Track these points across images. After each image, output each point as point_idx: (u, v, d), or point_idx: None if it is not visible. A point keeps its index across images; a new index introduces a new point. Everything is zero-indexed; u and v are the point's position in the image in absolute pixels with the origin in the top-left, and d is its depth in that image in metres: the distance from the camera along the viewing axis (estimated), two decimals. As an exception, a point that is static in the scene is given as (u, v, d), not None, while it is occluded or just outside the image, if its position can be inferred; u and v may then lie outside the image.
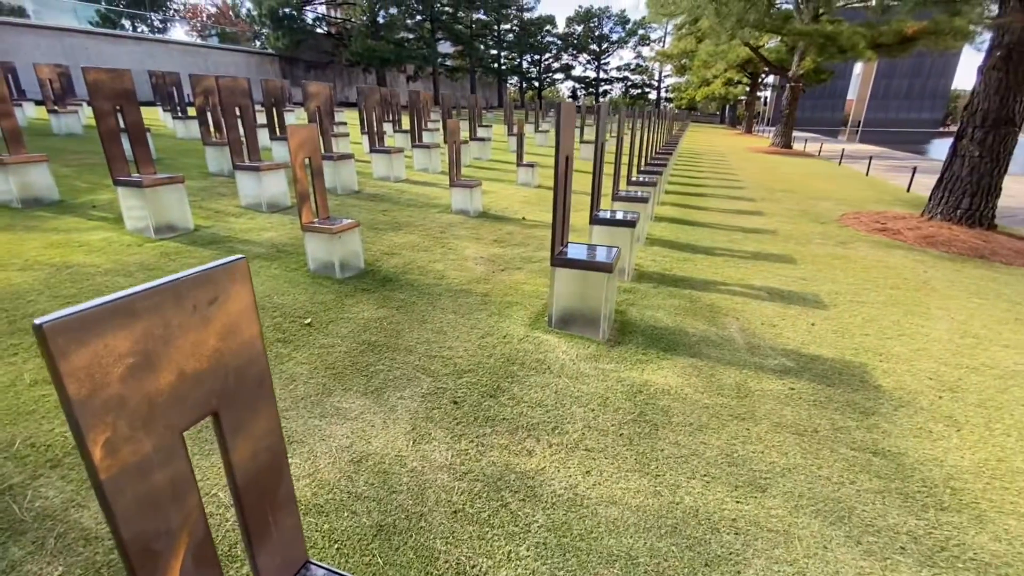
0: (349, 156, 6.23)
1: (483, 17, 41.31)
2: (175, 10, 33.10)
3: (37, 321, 0.57)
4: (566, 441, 2.02)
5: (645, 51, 51.01)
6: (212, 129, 6.85)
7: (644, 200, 4.69)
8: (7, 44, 15.96)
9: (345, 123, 10.93)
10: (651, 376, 2.55)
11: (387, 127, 10.91)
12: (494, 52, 43.91)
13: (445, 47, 39.11)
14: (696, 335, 3.04)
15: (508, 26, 44.40)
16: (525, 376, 2.47)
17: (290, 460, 1.82)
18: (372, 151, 7.23)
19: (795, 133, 21.09)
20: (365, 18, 33.58)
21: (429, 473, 1.80)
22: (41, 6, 20.14)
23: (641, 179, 5.72)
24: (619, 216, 3.85)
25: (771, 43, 22.44)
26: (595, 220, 3.76)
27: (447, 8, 36.76)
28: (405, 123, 13.19)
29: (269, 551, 0.95)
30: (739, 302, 3.62)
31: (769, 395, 2.44)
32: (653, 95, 54.39)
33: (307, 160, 3.39)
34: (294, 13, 30.58)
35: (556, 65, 50.88)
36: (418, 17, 35.58)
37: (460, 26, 38.13)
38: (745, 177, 11.14)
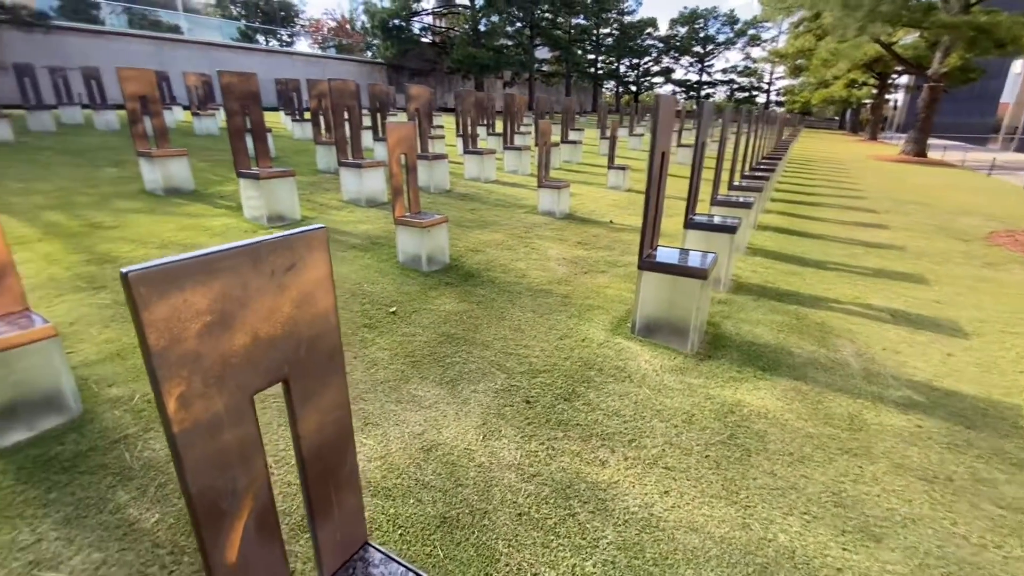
0: (443, 156, 6.43)
1: (582, 22, 41.11)
2: (301, 25, 36.67)
3: (124, 270, 0.59)
4: (644, 456, 1.88)
5: (755, 52, 47.81)
6: (323, 130, 7.41)
7: (747, 206, 4.33)
8: (164, 56, 18.60)
9: (442, 126, 11.37)
10: (745, 396, 2.31)
11: (481, 130, 11.17)
12: (591, 56, 43.54)
13: (542, 52, 39.47)
14: (801, 356, 2.72)
15: (607, 30, 43.78)
16: (603, 383, 2.35)
17: (365, 441, 1.86)
18: (465, 152, 7.42)
19: (931, 140, 18.59)
20: (467, 26, 34.86)
21: (496, 471, 1.75)
22: (193, 24, 23.35)
23: (744, 184, 5.31)
24: (717, 221, 3.58)
25: (907, 39, 20.01)
26: (690, 224, 3.53)
27: (547, 14, 37.06)
28: (499, 127, 13.45)
29: (330, 527, 0.94)
30: (855, 323, 3.20)
31: (889, 431, 2.11)
32: (761, 98, 50.87)
33: (403, 157, 3.52)
34: (403, 24, 32.53)
35: (655, 68, 49.31)
36: (518, 24, 36.25)
37: (559, 31, 38.24)
38: (867, 187, 10.00)
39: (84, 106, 10.60)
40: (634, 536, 1.52)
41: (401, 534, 1.48)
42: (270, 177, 4.21)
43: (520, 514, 1.58)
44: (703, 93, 50.03)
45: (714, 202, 4.40)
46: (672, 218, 5.40)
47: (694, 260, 2.80)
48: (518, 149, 8.23)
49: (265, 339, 0.76)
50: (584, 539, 1.50)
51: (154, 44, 18.99)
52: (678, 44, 47.80)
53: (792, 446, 1.97)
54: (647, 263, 2.71)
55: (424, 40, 35.04)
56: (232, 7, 32.11)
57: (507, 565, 1.40)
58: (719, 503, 1.67)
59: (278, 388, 0.80)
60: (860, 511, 1.66)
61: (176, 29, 21.99)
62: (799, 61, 29.23)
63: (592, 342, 2.73)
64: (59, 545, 1.36)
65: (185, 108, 12.61)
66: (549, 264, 3.95)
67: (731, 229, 3.46)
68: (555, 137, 10.98)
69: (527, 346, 2.64)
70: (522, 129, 11.18)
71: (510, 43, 36.08)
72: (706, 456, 1.90)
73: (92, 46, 16.77)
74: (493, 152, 7.43)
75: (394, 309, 2.95)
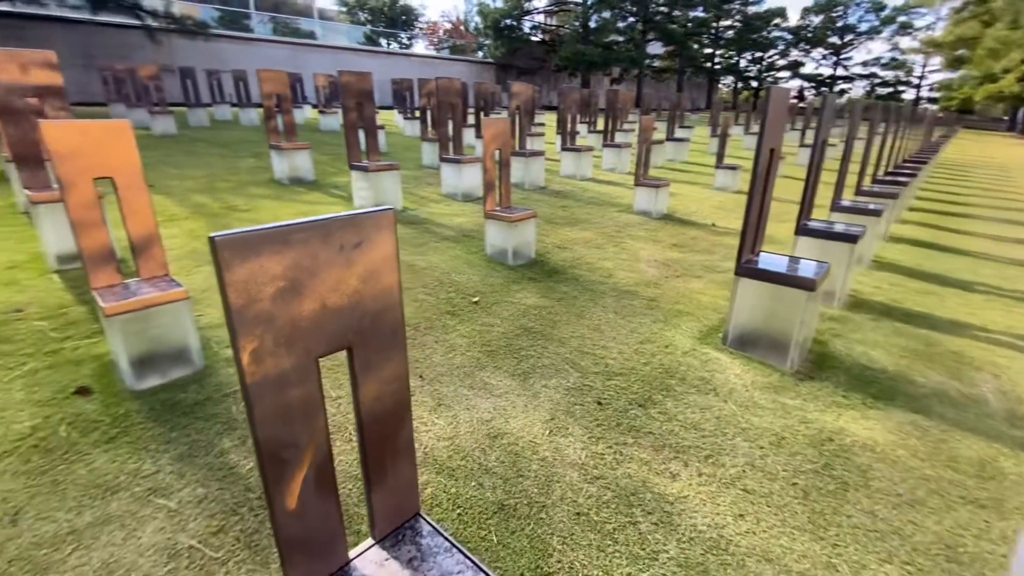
0: (540, 153, 6.47)
1: (701, 14, 38.98)
2: (419, 28, 38.92)
3: (212, 235, 0.66)
4: (721, 475, 1.75)
5: (904, 41, 42.09)
6: (429, 127, 7.80)
7: (875, 214, 3.84)
8: (300, 61, 20.75)
9: (543, 123, 11.43)
10: (849, 424, 2.06)
11: (583, 128, 11.07)
12: (708, 51, 41.14)
13: (654, 48, 38.07)
14: (926, 387, 2.37)
15: (728, 22, 41.05)
16: (683, 393, 2.22)
17: (436, 421, 1.94)
18: (563, 149, 7.39)
19: None
20: (577, 23, 34.68)
21: (559, 467, 1.73)
22: (326, 30, 25.93)
23: (876, 189, 4.72)
24: (837, 228, 3.22)
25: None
26: (803, 230, 3.21)
27: (662, 8, 35.66)
28: (601, 125, 13.24)
29: (384, 494, 0.99)
30: (1004, 355, 2.71)
31: (1036, 486, 1.76)
32: (909, 94, 44.72)
33: (498, 152, 3.60)
34: (514, 23, 33.21)
35: (781, 62, 45.35)
36: (630, 19, 35.32)
37: (674, 25, 36.63)
38: (1039, 198, 8.40)
39: (233, 104, 12.16)
40: (698, 556, 1.42)
41: (459, 514, 1.52)
42: (378, 170, 4.52)
43: (579, 513, 1.55)
44: (838, 88, 45.11)
45: (835, 208, 3.95)
46: (783, 224, 4.95)
47: (803, 269, 2.54)
48: (618, 146, 8.04)
49: (332, 308, 0.81)
50: (643, 550, 1.43)
51: (291, 49, 21.29)
52: (810, 35, 43.55)
53: (902, 487, 1.72)
54: (746, 269, 2.52)
55: (533, 39, 35.47)
56: (360, 13, 34.94)
57: (559, 562, 1.38)
58: (802, 536, 1.50)
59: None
60: (979, 572, 1.41)
61: (312, 35, 24.45)
62: (960, 52, 25.24)
63: (676, 349, 2.60)
64: (172, 478, 1.59)
65: (314, 107, 13.97)
66: (638, 265, 3.81)
67: (851, 238, 3.09)
68: (660, 134, 10.56)
69: (605, 347, 2.58)
70: (625, 127, 10.89)
71: (620, 39, 35.30)
72: (793, 484, 1.72)
73: (242, 51, 19.21)
74: (591, 149, 7.33)
75: (477, 299, 3.03)
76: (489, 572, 0.92)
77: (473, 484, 1.64)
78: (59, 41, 14.00)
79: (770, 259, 2.67)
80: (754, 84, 45.47)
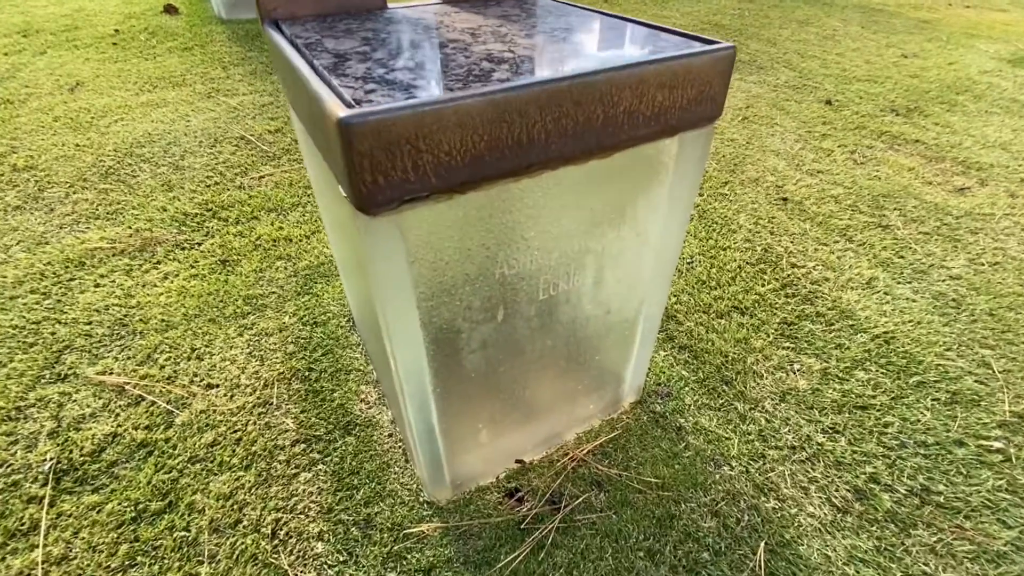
0: None
1: None
2: None
3: None
4: (1050, 204, 0.99)
5: None
6: None
7: None
8: None
9: None
10: None
11: None
12: None
13: None
14: None
15: None
16: (979, 112, 1.35)
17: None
18: None
19: None
20: None
21: (755, 152, 1.10)
22: None
23: None
24: None
25: None
26: None
27: None
28: None
29: None
30: None
31: None
32: None
33: None
34: None
35: None
36: None
37: None
38: None
39: None
40: (1012, 285, 0.78)
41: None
42: None
43: (784, 199, 0.95)
44: None
45: None
46: None
47: None
48: None
49: None
50: (900, 258, 0.82)
51: None
52: None
53: None
54: None
55: None
56: None
57: (748, 241, 0.84)
58: None
59: None
60: None
61: None
62: None
63: (968, 67, 1.62)
64: (241, 85, 1.26)
65: None
66: (901, -12, 2.51)
67: None
68: None
69: (841, 55, 1.68)
70: None
71: None
72: None
73: None
74: None
75: (648, -7, 2.17)
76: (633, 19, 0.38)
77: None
78: None
79: None
80: None
